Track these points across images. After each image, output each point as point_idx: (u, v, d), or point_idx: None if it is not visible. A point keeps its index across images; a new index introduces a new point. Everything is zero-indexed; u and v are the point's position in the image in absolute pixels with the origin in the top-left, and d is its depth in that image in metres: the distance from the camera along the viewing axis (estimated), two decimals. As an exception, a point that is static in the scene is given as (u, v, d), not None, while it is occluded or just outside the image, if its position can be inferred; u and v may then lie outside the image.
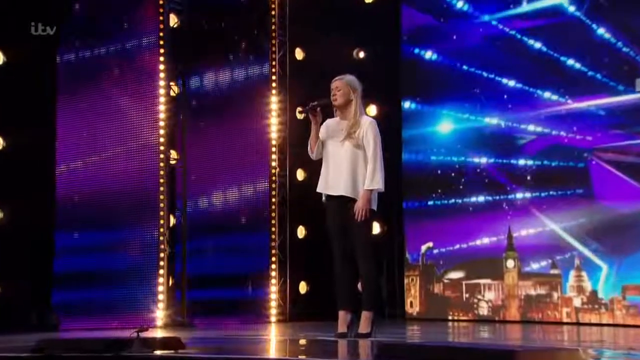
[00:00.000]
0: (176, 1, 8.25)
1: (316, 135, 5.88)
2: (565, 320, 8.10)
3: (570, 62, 8.10)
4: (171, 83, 8.18)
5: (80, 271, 7.77)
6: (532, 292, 8.36)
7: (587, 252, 8.01)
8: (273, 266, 8.75)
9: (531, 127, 8.42)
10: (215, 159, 8.60)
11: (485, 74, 8.71)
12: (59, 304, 7.48)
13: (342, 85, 5.84)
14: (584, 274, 8.03)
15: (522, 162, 8.47)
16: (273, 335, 6.97)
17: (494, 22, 8.70)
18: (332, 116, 6.00)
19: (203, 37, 8.51)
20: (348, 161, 5.75)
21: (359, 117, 5.81)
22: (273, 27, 9.04)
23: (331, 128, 5.91)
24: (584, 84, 8.01)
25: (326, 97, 5.87)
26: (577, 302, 8.05)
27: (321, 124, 5.92)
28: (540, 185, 8.36)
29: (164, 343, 4.76)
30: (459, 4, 8.94)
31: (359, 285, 5.90)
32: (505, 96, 8.58)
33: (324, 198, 5.89)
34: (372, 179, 5.69)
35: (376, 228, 8.68)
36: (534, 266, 8.38)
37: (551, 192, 8.28)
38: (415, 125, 9.28)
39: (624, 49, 7.77)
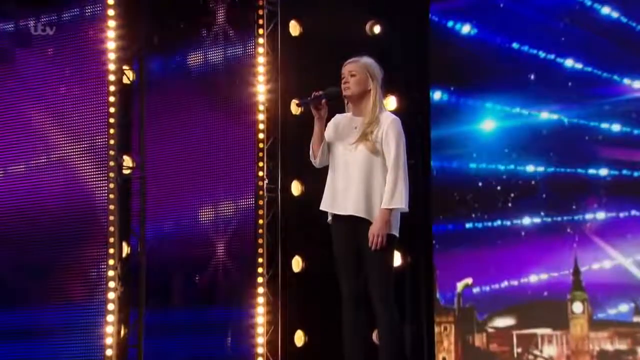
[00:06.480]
0: (131, -42, 8.44)
1: (320, 135, 5.73)
2: (655, 385, 7.85)
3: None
4: (124, 67, 8.30)
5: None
6: (609, 346, 8.28)
7: (683, 294, 7.85)
8: (260, 310, 8.43)
9: (605, 125, 8.32)
10: (183, 168, 8.61)
11: (542, 54, 8.59)
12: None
13: (357, 70, 5.69)
14: (679, 323, 7.90)
15: (592, 171, 8.38)
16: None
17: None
18: (342, 111, 5.82)
19: (167, 6, 8.58)
20: (362, 171, 5.65)
21: (379, 113, 5.68)
22: (261, -7, 8.74)
23: (341, 126, 5.77)
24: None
25: (335, 85, 5.69)
26: (670, 361, 7.80)
27: (328, 120, 5.76)
28: (618, 202, 8.26)
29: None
30: (507, -39, 8.81)
31: (375, 336, 5.76)
32: (570, 84, 8.51)
33: (329, 219, 5.72)
34: (393, 195, 5.55)
35: (397, 259, 8.34)
36: (611, 312, 8.32)
37: (633, 212, 8.19)
38: (448, 122, 9.09)
39: None
